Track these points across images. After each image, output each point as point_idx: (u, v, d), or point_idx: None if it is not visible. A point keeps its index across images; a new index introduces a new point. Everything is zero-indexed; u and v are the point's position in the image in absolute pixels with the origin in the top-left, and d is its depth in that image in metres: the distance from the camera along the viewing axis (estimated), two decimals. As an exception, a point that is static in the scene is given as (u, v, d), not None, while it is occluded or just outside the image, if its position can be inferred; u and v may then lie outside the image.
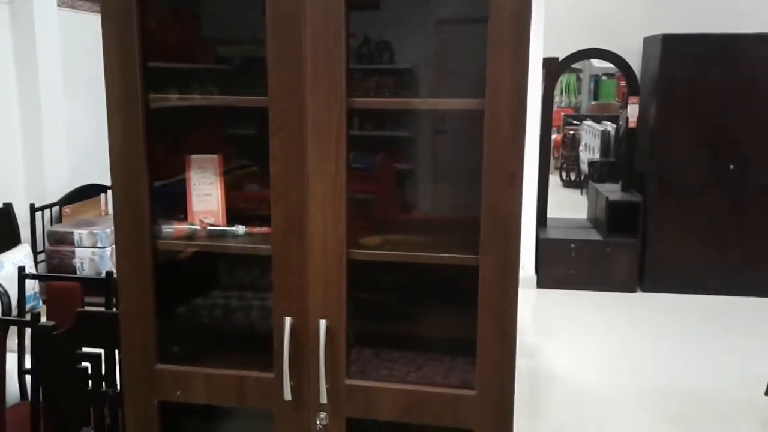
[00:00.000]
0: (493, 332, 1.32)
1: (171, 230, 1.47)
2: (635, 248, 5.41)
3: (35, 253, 4.11)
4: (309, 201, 1.36)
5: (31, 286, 3.38)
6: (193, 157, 1.54)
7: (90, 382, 1.93)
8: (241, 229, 1.51)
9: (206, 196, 1.54)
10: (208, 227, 1.50)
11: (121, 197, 1.42)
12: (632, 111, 5.63)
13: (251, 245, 1.48)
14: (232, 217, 1.54)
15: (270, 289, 1.42)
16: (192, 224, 1.50)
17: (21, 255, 3.70)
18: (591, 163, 7.98)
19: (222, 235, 1.51)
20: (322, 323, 1.38)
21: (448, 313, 1.68)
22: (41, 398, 1.99)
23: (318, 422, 1.42)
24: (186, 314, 1.73)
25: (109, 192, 4.76)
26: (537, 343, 4.46)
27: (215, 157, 1.54)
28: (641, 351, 4.36)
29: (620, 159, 6.65)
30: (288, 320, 1.39)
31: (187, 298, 1.75)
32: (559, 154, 10.18)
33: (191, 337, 1.70)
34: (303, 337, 1.40)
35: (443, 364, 1.54)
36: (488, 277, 1.30)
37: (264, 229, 1.48)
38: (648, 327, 4.79)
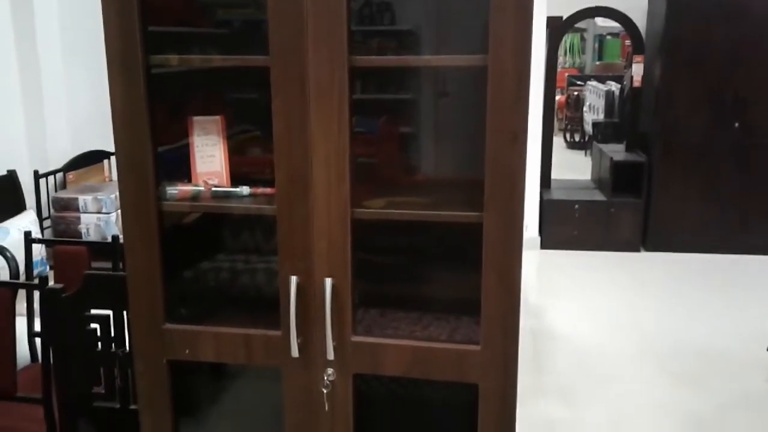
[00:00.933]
0: (498, 288, 1.33)
1: (175, 192, 1.47)
2: (639, 208, 5.41)
3: (41, 219, 4.13)
4: (312, 161, 1.36)
5: (38, 251, 3.40)
6: (196, 118, 1.53)
7: (99, 343, 1.95)
8: (245, 189, 1.51)
9: (210, 157, 1.54)
10: (213, 188, 1.51)
11: (124, 159, 1.43)
12: (637, 70, 5.58)
13: (256, 206, 1.49)
14: (236, 181, 1.54)
15: (275, 253, 1.43)
16: (196, 185, 1.50)
17: (27, 221, 3.72)
18: (595, 124, 7.93)
19: (226, 196, 1.51)
20: (328, 282, 1.39)
21: (453, 273, 1.69)
22: (51, 360, 2.02)
23: (325, 378, 1.44)
24: (192, 278, 1.75)
25: (113, 158, 4.75)
26: (541, 303, 4.50)
27: (218, 118, 1.54)
28: (644, 310, 4.39)
29: (624, 119, 6.61)
30: (294, 279, 1.40)
31: (193, 262, 1.76)
32: (563, 116, 10.12)
33: (198, 300, 1.71)
34: (309, 295, 1.41)
35: (448, 324, 1.56)
36: (492, 234, 1.31)
37: (268, 190, 1.48)
38: (651, 286, 4.82)
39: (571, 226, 5.48)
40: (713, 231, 5.34)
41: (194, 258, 1.77)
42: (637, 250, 5.46)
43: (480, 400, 1.41)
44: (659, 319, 4.26)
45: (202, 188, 1.50)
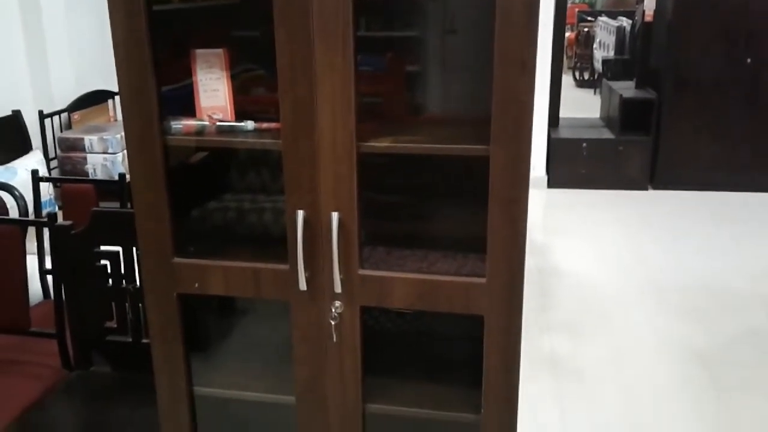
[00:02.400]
0: (504, 221, 1.33)
1: (180, 126, 1.47)
2: (648, 146, 5.37)
3: (47, 160, 4.13)
4: (317, 94, 1.35)
5: (46, 190, 3.42)
6: (198, 51, 1.51)
7: (110, 279, 1.98)
8: (250, 124, 1.50)
9: (213, 91, 1.52)
10: (217, 123, 1.50)
11: (127, 93, 1.41)
12: (648, 5, 5.45)
13: (261, 140, 1.48)
14: (240, 118, 1.53)
15: (282, 192, 1.43)
16: (201, 120, 1.49)
17: (33, 161, 3.72)
18: (605, 61, 7.80)
19: (231, 131, 1.50)
20: (334, 216, 1.39)
21: (460, 211, 1.69)
22: (63, 297, 2.05)
23: (333, 310, 1.46)
24: (200, 217, 1.75)
25: (117, 98, 4.72)
26: (547, 242, 4.51)
27: (220, 51, 1.51)
28: (651, 247, 4.41)
29: (635, 56, 6.49)
30: (301, 213, 1.40)
31: (200, 202, 1.76)
32: (573, 53, 9.94)
33: (206, 238, 1.72)
34: (316, 229, 1.42)
35: (455, 261, 1.56)
36: (499, 166, 1.30)
37: (273, 125, 1.47)
38: (658, 224, 4.82)
39: (578, 165, 5.46)
40: (723, 169, 5.31)
41: (201, 198, 1.77)
42: (645, 189, 5.45)
43: (485, 332, 1.43)
44: (665, 256, 4.28)
45: (206, 123, 1.49)
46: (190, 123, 1.48)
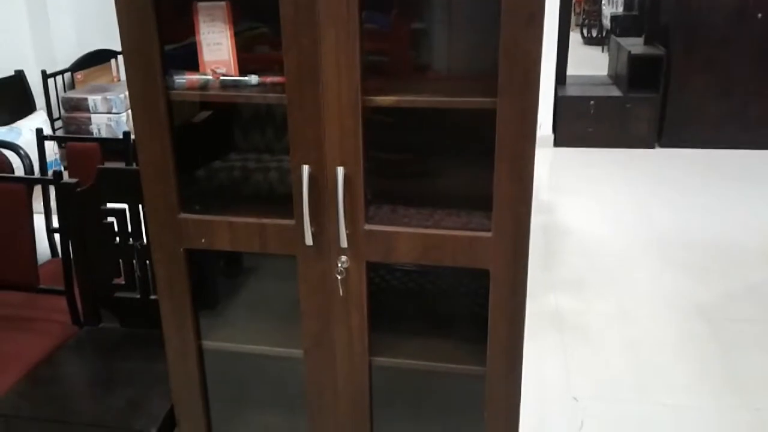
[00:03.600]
0: (510, 174, 1.32)
1: (183, 81, 1.45)
2: (656, 103, 5.31)
3: (51, 120, 4.12)
4: (322, 46, 1.33)
5: (51, 149, 3.41)
6: (200, 4, 1.49)
7: (117, 236, 1.99)
8: (254, 78, 1.48)
9: (216, 45, 1.50)
10: (221, 77, 1.48)
11: (129, 47, 1.40)
12: (659, -42, 5.33)
13: (266, 94, 1.47)
14: (244, 74, 1.51)
15: (287, 152, 1.42)
16: (204, 74, 1.48)
17: (38, 121, 3.71)
18: (614, 18, 7.68)
19: (235, 85, 1.49)
20: (340, 170, 1.38)
21: (466, 169, 1.68)
22: (71, 254, 2.06)
23: (339, 265, 1.46)
24: (205, 176, 1.75)
25: (120, 57, 4.68)
26: (553, 200, 4.50)
27: (223, 4, 1.49)
28: (657, 205, 4.40)
29: (644, 11, 6.38)
30: (306, 168, 1.40)
31: (205, 161, 1.76)
32: (581, 9, 9.79)
33: (211, 197, 1.72)
34: (321, 184, 1.42)
35: (460, 219, 1.56)
36: (506, 119, 1.28)
37: (277, 79, 1.45)
38: (665, 182, 4.80)
39: (585, 123, 5.41)
40: (731, 126, 5.26)
41: (206, 157, 1.77)
42: (652, 147, 5.41)
43: (491, 286, 1.43)
44: (671, 213, 4.27)
45: (210, 77, 1.48)
46: (194, 77, 1.47)
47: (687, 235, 3.96)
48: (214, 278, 1.84)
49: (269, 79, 1.49)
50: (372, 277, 1.52)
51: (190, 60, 1.49)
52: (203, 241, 1.52)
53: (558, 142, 5.47)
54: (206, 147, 1.78)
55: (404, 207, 1.59)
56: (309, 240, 1.44)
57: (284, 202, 1.47)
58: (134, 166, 2.48)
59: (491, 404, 1.52)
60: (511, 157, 1.30)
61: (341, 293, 1.49)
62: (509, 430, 1.54)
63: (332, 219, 1.43)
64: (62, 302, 2.12)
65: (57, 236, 2.52)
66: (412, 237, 1.43)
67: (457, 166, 1.72)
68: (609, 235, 4.00)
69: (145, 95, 1.43)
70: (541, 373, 2.71)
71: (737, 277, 3.48)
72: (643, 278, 3.50)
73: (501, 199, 1.35)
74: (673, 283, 3.44)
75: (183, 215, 1.51)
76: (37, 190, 2.61)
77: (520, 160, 1.30)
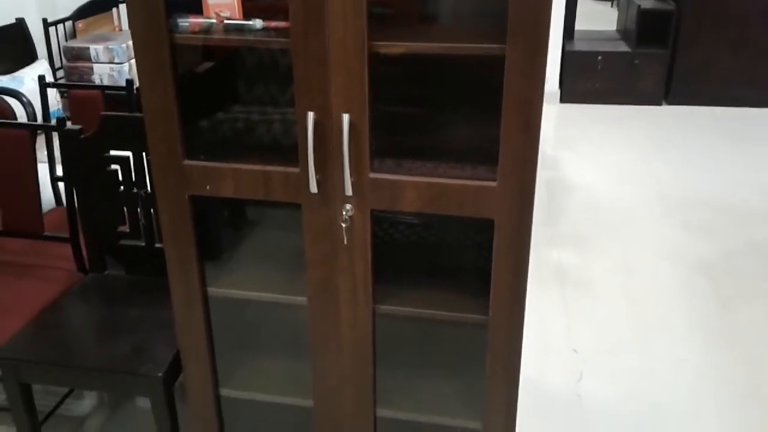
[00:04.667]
0: (517, 122, 1.31)
1: (187, 24, 1.43)
2: (664, 60, 5.24)
3: (53, 69, 4.08)
4: (327, -10, 1.30)
5: (54, 98, 3.39)
6: (205, -55, 1.46)
7: (121, 184, 1.99)
8: (258, 22, 1.46)
9: (221, -12, 1.48)
10: (225, 21, 1.46)
11: (133, -11, 1.37)
12: None
13: (270, 39, 1.45)
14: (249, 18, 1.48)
15: (291, 104, 1.41)
16: (208, 18, 1.45)
17: (40, 70, 3.67)
18: (624, -29, 7.51)
19: (239, 29, 1.46)
20: (345, 117, 1.37)
21: (471, 123, 1.67)
22: (76, 202, 2.06)
23: (344, 213, 1.46)
24: (209, 127, 1.74)
25: (122, 6, 4.61)
26: (558, 156, 4.48)
27: (228, -55, 1.46)
28: (662, 163, 4.38)
29: (655, -35, 6.25)
30: (311, 115, 1.39)
31: (207, 113, 1.74)
32: (590, -38, 9.57)
33: (215, 147, 1.71)
34: (326, 131, 1.40)
35: (464, 173, 1.55)
36: (515, 64, 1.27)
37: (282, 24, 1.43)
38: (671, 139, 4.77)
39: (593, 79, 5.35)
40: (740, 83, 5.19)
41: (209, 108, 1.75)
42: (659, 104, 5.36)
43: (495, 235, 1.43)
44: (676, 171, 4.25)
45: (213, 20, 1.45)
46: (197, 20, 1.44)
47: (691, 193, 3.95)
48: (218, 229, 1.84)
49: (273, 24, 1.46)
50: (376, 231, 1.52)
51: (194, 3, 1.47)
52: (208, 188, 1.51)
53: (564, 98, 5.42)
54: (209, 98, 1.76)
55: (409, 160, 1.58)
56: (314, 188, 1.43)
57: (289, 152, 1.46)
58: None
59: (493, 352, 1.54)
60: (518, 104, 1.29)
61: (345, 242, 1.49)
62: (510, 378, 1.56)
63: (337, 167, 1.42)
64: (67, 250, 2.13)
65: (61, 185, 2.53)
66: (417, 185, 1.43)
67: (463, 121, 1.70)
68: (613, 191, 3.99)
69: (148, 38, 1.40)
70: (542, 325, 2.73)
71: (740, 234, 3.49)
72: (646, 235, 3.50)
73: (507, 147, 1.34)
74: (676, 239, 3.44)
75: (187, 162, 1.50)
76: (41, 141, 2.60)
77: (528, 106, 1.29)
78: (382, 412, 1.68)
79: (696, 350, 2.60)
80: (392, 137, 1.63)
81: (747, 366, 2.51)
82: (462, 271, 1.75)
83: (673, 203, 3.83)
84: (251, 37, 1.46)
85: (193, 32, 1.44)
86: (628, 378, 2.45)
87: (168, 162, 1.50)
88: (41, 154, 2.47)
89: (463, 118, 1.70)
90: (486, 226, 1.43)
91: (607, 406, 2.31)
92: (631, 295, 2.96)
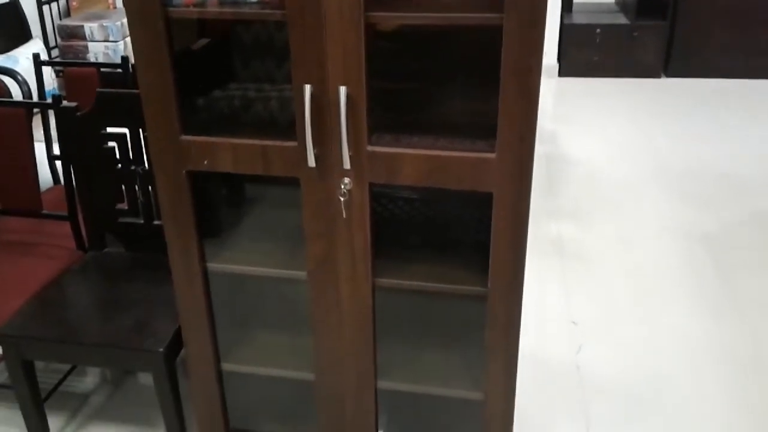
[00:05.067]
0: (516, 91, 1.30)
1: (182, -3, 1.42)
2: (663, 32, 5.20)
3: (48, 48, 4.05)
4: (323, -39, 1.29)
5: (49, 76, 3.37)
6: None
7: (118, 162, 1.98)
8: (253, -6, 1.45)
9: (215, -40, 1.46)
10: (220, -6, 1.44)
11: (126, -38, 1.36)
12: None
13: (266, 11, 1.43)
14: None
15: (287, 81, 1.39)
16: (203, -9, 1.44)
17: (34, 49, 3.64)
18: (622, -58, 7.42)
19: (234, 2, 1.45)
20: (342, 90, 1.36)
21: (469, 98, 1.66)
22: (74, 180, 2.06)
23: (342, 187, 1.46)
24: (205, 105, 1.72)
25: (115, -17, 4.57)
26: (556, 130, 4.47)
27: None
28: (662, 136, 4.36)
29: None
30: (308, 88, 1.38)
31: (204, 91, 1.73)
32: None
33: (212, 125, 1.70)
34: (324, 105, 1.40)
35: (463, 146, 1.54)
36: (513, 32, 1.25)
37: (278, -5, 1.41)
38: (670, 112, 4.75)
39: (591, 52, 5.32)
40: (741, 55, 5.16)
41: (206, 86, 1.74)
42: (658, 77, 5.33)
43: (494, 208, 1.43)
44: (675, 143, 4.25)
45: (209, -6, 1.44)
46: (192, -7, 1.43)
47: (691, 165, 3.95)
48: (217, 207, 1.84)
49: (269, -4, 1.45)
50: (375, 207, 1.52)
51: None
52: (205, 163, 1.51)
53: (563, 72, 5.39)
54: (206, 76, 1.75)
55: (407, 135, 1.58)
56: (312, 162, 1.43)
57: (287, 128, 1.46)
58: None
59: (493, 324, 1.54)
60: (517, 72, 1.28)
61: (344, 215, 1.49)
62: (510, 349, 1.57)
63: (335, 140, 1.42)
64: (66, 228, 2.13)
65: (58, 164, 2.52)
66: (415, 158, 1.42)
67: (462, 95, 1.69)
68: (612, 164, 3.98)
69: (142, 12, 1.39)
70: (541, 298, 2.74)
71: (740, 205, 3.49)
72: (646, 206, 3.50)
73: (506, 117, 1.33)
74: (676, 211, 3.44)
75: (184, 137, 1.49)
76: (37, 121, 2.59)
77: (526, 76, 1.28)
78: (383, 384, 1.70)
79: (696, 321, 2.62)
80: (390, 112, 1.62)
81: (748, 336, 2.53)
82: (461, 244, 1.76)
83: (672, 175, 3.82)
84: (246, 10, 1.45)
85: (188, 5, 1.43)
86: (628, 349, 2.47)
87: (165, 137, 1.50)
88: (38, 133, 2.46)
89: (462, 93, 1.69)
90: (485, 201, 1.43)
91: (607, 377, 2.33)
92: (631, 267, 2.97)
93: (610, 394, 2.25)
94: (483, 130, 1.40)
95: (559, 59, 5.37)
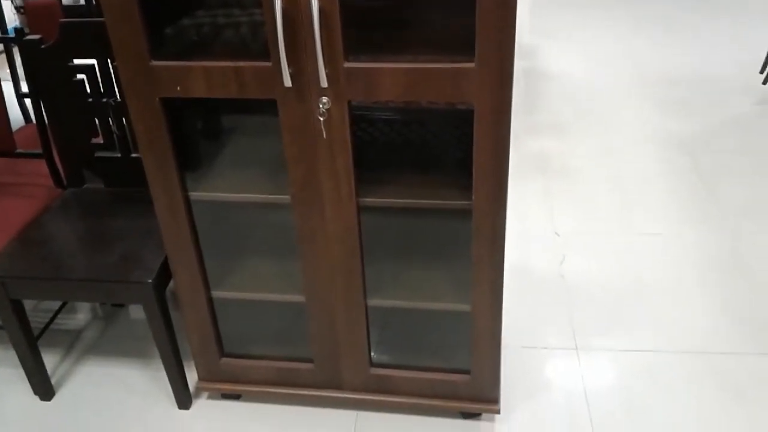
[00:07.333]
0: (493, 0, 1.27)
1: None
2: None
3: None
4: None
5: (10, 11, 3.24)
6: None
7: (89, 95, 1.93)
8: None
9: None
10: None
11: None
12: None
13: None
14: None
15: (257, 5, 1.34)
16: None
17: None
18: None
19: None
20: (314, 2, 1.32)
21: (446, 17, 1.61)
22: (45, 117, 2.01)
23: (321, 107, 1.43)
24: (173, 35, 1.66)
25: None
26: (534, 44, 4.41)
27: None
28: (641, 45, 4.32)
29: None
30: (278, 2, 1.33)
31: (172, 19, 1.66)
32: None
33: (182, 53, 1.65)
34: (297, 21, 1.35)
35: (442, 60, 1.51)
36: (487, -64, 1.21)
37: None
38: (648, 20, 4.69)
39: (567, -39, 5.19)
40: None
41: (173, 14, 1.67)
42: (636, -16, 5.23)
43: (475, 121, 1.41)
44: (654, 52, 4.21)
45: None
46: None
47: (670, 72, 3.93)
48: (195, 138, 1.81)
49: None
50: (356, 131, 1.50)
51: None
52: (178, 89, 1.47)
53: (539, -16, 5.27)
54: (172, 3, 1.68)
55: (385, 54, 1.54)
56: (287, 81, 1.39)
57: (260, 51, 1.41)
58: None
59: (478, 237, 1.55)
60: (493, -14, 1.24)
61: (324, 135, 1.47)
62: (495, 261, 1.59)
63: (311, 58, 1.38)
64: (42, 166, 2.09)
65: (28, 101, 2.45)
66: (394, 72, 1.39)
67: (439, 11, 1.65)
68: (591, 76, 3.95)
69: (99, -69, 1.32)
70: (524, 212, 2.76)
71: (718, 110, 3.49)
72: (626, 117, 3.50)
73: (484, 26, 1.30)
74: (656, 119, 3.44)
75: (155, 62, 1.45)
76: (2, 60, 2.51)
77: (503, -15, 1.24)
78: (373, 302, 1.72)
79: (678, 227, 2.66)
80: (366, 31, 1.58)
81: (730, 240, 2.57)
82: (444, 162, 1.75)
83: (652, 83, 3.81)
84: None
85: None
86: (611, 257, 2.51)
87: (134, 64, 1.45)
88: (4, 72, 2.39)
89: (439, 8, 1.65)
90: (465, 119, 1.41)
91: (591, 284, 2.37)
92: (612, 178, 2.99)
93: (594, 302, 2.30)
94: (463, 45, 1.37)
95: (535, -29, 5.24)
